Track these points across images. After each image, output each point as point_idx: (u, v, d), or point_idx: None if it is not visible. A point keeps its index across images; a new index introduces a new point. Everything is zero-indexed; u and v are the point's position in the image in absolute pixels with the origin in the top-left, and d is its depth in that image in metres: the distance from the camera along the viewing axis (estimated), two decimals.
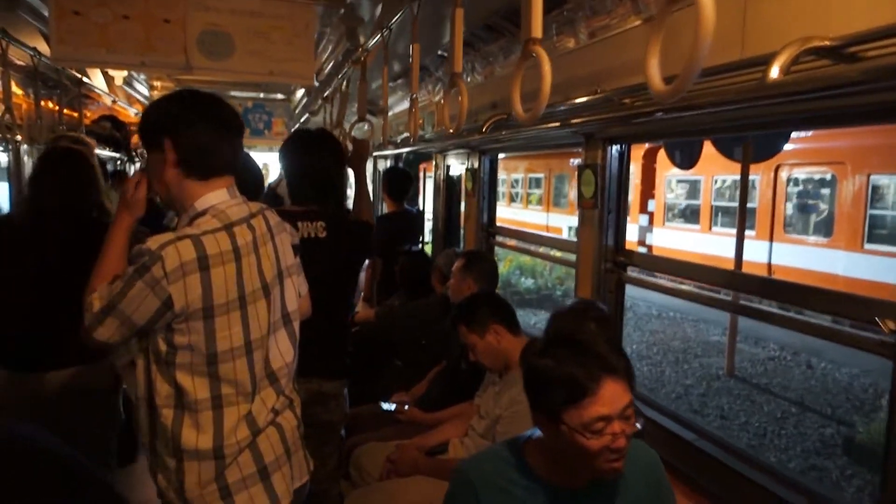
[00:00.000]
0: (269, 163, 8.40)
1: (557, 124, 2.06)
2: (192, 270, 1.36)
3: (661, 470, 1.48)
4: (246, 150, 2.84)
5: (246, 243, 1.47)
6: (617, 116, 1.63)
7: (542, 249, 4.14)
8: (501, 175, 18.77)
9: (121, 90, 5.14)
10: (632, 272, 2.52)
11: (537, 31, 1.30)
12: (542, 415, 1.29)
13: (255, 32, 2.70)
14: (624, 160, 2.54)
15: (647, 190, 13.65)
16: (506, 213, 17.89)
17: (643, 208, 13.74)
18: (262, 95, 6.02)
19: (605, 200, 2.52)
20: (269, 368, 1.54)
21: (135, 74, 5.22)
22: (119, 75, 4.45)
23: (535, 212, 17.95)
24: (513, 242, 4.00)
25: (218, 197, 1.48)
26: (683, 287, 2.33)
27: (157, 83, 5.48)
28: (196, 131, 1.45)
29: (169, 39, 2.57)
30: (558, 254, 3.31)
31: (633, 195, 14.11)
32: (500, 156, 4.02)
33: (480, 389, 2.57)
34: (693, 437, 2.18)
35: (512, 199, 19.55)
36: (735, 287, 1.91)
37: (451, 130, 1.65)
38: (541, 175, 17.87)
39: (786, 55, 1.09)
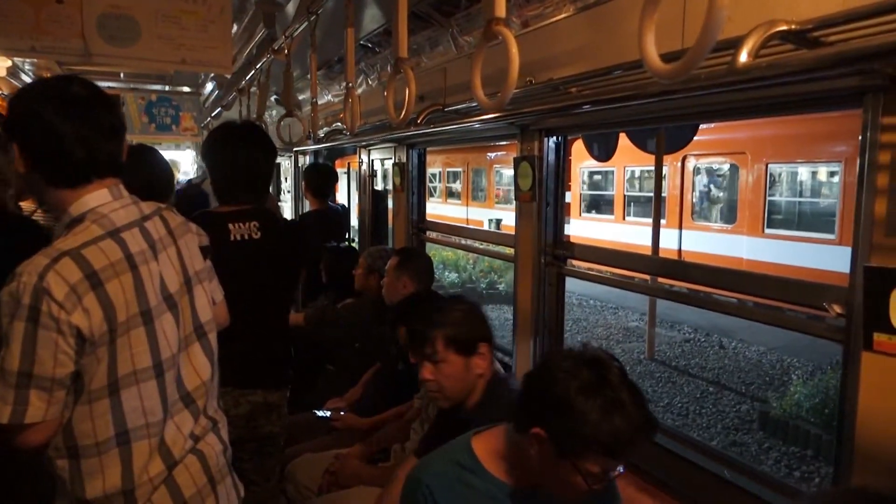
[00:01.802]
0: (177, 160, 7.92)
1: (493, 116, 1.98)
2: (85, 291, 1.14)
3: None
4: (153, 146, 2.61)
5: (141, 250, 1.26)
6: (557, 107, 1.57)
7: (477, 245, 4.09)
8: None
9: (5, 82, 4.64)
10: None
11: (501, 10, 1.20)
12: (552, 441, 1.23)
13: (164, 16, 2.46)
14: (561, 152, 2.50)
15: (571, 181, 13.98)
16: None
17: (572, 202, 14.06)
18: (167, 88, 5.63)
19: (542, 193, 2.48)
20: (183, 390, 1.34)
21: (21, 65, 4.74)
22: (2, 66, 4.01)
23: (454, 206, 18.02)
24: (456, 239, 3.91)
25: (98, 199, 1.25)
26: (626, 278, 2.33)
27: (45, 74, 5.00)
28: (49, 131, 1.20)
29: (63, 22, 2.29)
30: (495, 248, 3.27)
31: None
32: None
33: (422, 389, 2.48)
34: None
35: (430, 193, 19.56)
36: (679, 276, 1.91)
37: (401, 117, 1.51)
38: (459, 169, 17.95)
39: (754, 39, 1.05)
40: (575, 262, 2.48)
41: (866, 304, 1.35)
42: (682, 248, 10.71)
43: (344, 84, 2.33)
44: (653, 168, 11.83)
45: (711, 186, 10.52)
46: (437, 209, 18.09)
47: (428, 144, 3.72)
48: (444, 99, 3.04)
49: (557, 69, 2.19)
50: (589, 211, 13.41)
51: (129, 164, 2.44)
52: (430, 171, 19.14)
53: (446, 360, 1.77)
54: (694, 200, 10.73)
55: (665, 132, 6.74)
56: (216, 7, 2.52)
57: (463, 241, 3.77)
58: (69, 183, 1.23)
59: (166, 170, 2.49)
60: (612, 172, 12.45)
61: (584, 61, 2.10)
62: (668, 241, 10.79)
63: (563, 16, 2.19)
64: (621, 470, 1.28)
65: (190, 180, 5.30)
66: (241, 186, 2.09)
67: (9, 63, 4.11)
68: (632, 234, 11.18)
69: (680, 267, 1.93)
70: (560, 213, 2.53)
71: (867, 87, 1.32)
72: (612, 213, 12.63)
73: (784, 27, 1.08)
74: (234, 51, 3.15)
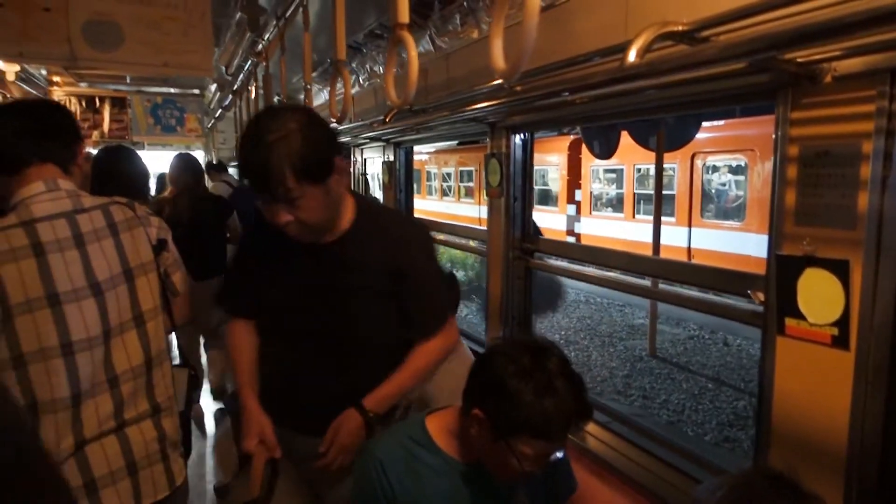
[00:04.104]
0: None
1: (446, 113, 2.07)
2: None
3: None
4: (161, 147, 2.74)
5: (56, 239, 1.39)
6: (502, 103, 1.64)
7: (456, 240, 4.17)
8: (433, 169, 18.81)
9: (15, 86, 4.83)
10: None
11: (404, 16, 1.29)
12: (488, 421, 1.30)
13: (147, 22, 2.58)
14: (527, 148, 2.58)
15: (574, 180, 13.96)
16: (439, 208, 17.95)
17: (570, 198, 14.05)
18: (172, 91, 5.80)
19: (510, 189, 2.56)
20: (111, 372, 1.46)
21: (31, 70, 4.92)
22: (10, 70, 4.18)
23: (467, 205, 18.07)
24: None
25: (30, 190, 1.42)
26: (588, 271, 2.40)
27: (56, 78, 5.19)
28: None
29: (50, 29, 2.42)
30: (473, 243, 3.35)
31: (561, 186, 14.43)
32: (430, 149, 4.03)
33: None
34: (606, 419, 2.25)
35: (444, 193, 19.62)
36: (629, 268, 1.97)
37: (403, 99, 1.55)
38: (472, 168, 18.00)
39: (642, 39, 1.12)
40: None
41: (778, 291, 1.42)
42: (692, 245, 10.68)
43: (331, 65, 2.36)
44: (664, 166, 11.82)
45: (721, 184, 10.46)
46: (451, 208, 18.16)
47: (412, 143, 3.80)
48: (427, 98, 3.13)
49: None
50: (600, 209, 13.39)
51: (107, 162, 2.57)
52: (444, 170, 19.25)
53: (303, 195, 1.45)
54: (703, 198, 10.68)
55: (666, 129, 6.75)
56: (197, 12, 2.63)
57: (451, 239, 3.86)
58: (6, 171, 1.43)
59: (139, 168, 2.63)
60: (623, 170, 12.44)
61: (543, 61, 2.18)
62: (680, 238, 10.79)
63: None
64: (559, 455, 1.34)
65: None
66: None
67: (17, 68, 4.28)
68: (641, 232, 11.16)
69: (630, 259, 2.00)
70: (527, 208, 2.60)
71: (778, 83, 1.38)
72: (622, 211, 12.61)
73: (673, 28, 1.16)
74: (217, 54, 3.27)
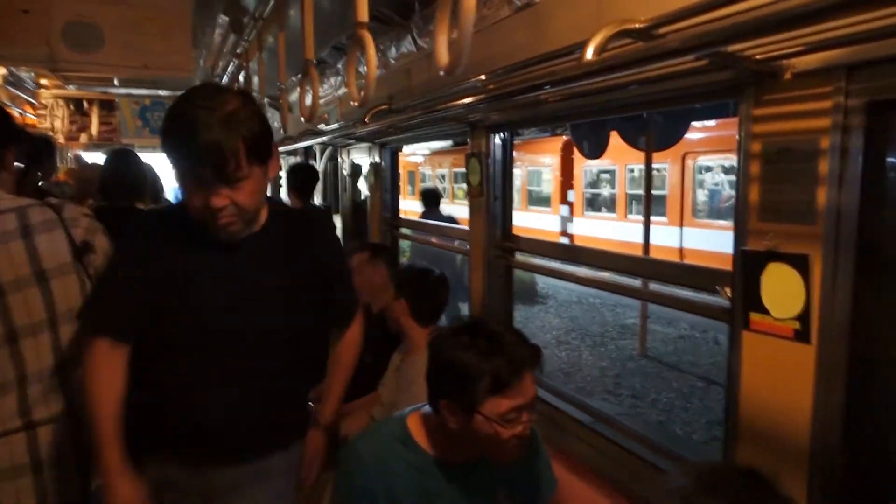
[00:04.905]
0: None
1: (420, 112, 2.08)
2: None
3: (538, 437, 1.58)
4: (152, 149, 2.76)
5: None
6: (476, 101, 1.66)
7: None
8: (427, 170, 18.80)
9: (3, 90, 4.83)
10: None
11: (363, 14, 1.30)
12: (455, 404, 1.32)
13: (127, 24, 2.60)
14: (507, 148, 2.59)
15: (567, 181, 14.00)
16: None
17: (563, 199, 14.08)
18: (161, 93, 5.80)
19: (490, 188, 2.57)
20: (20, 371, 1.48)
21: (19, 73, 4.91)
22: None
23: (461, 206, 18.06)
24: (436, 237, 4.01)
25: None
26: (567, 269, 2.41)
27: (44, 80, 5.19)
28: None
29: (30, 31, 2.43)
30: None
31: (554, 187, 14.47)
32: (426, 151, 4.04)
33: (384, 377, 2.57)
34: (589, 419, 2.26)
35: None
36: (603, 265, 1.99)
37: (362, 95, 1.54)
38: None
39: (599, 37, 1.14)
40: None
41: (743, 286, 1.43)
42: (684, 245, 10.72)
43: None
44: (655, 167, 11.88)
45: (714, 183, 10.51)
46: (447, 209, 18.15)
47: (398, 144, 3.82)
48: (412, 98, 3.14)
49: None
50: (594, 209, 13.42)
51: (108, 163, 2.57)
52: (438, 171, 19.27)
53: (249, 176, 1.37)
54: (695, 198, 10.72)
55: (655, 129, 6.77)
56: (177, 15, 2.65)
57: (434, 239, 3.87)
58: None
59: (133, 168, 2.64)
60: (615, 171, 12.48)
61: (520, 59, 2.19)
62: (672, 238, 10.82)
63: (503, 16, 2.28)
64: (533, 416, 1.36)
65: None
66: None
67: (3, 71, 4.28)
68: (633, 232, 11.19)
69: (604, 257, 2.01)
70: (507, 208, 2.61)
71: (741, 81, 1.40)
72: (615, 211, 12.64)
73: (629, 26, 1.17)
74: (204, 55, 3.28)
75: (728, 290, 1.53)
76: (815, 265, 1.29)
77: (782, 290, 1.35)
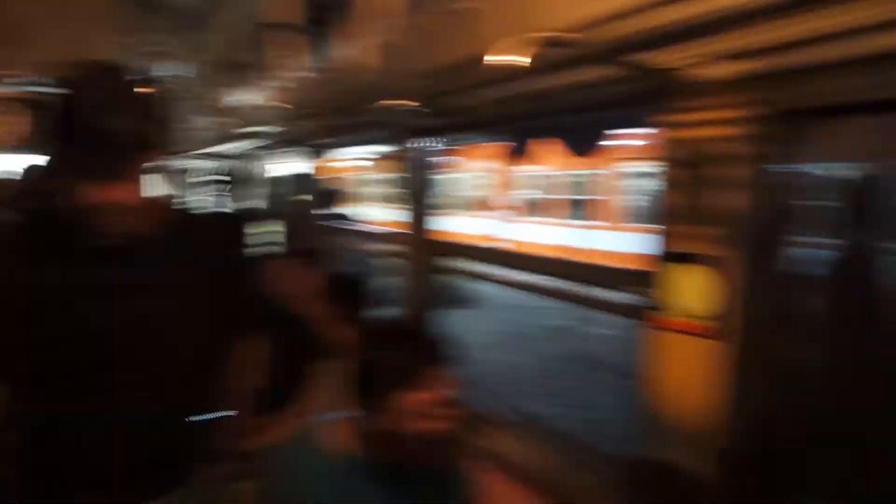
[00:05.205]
0: None
1: (344, 116, 2.06)
2: None
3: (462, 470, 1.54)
4: None
5: None
6: (396, 105, 1.65)
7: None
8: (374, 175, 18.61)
9: None
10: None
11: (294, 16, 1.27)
12: (371, 401, 1.31)
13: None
14: (434, 153, 2.61)
15: (503, 186, 14.25)
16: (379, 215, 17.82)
17: (497, 204, 14.31)
18: None
19: (418, 193, 2.58)
20: None
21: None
22: None
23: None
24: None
25: None
26: (495, 273, 2.44)
27: None
28: None
29: None
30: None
31: (488, 192, 14.67)
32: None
33: (309, 384, 2.53)
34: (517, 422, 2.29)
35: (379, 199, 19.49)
36: (526, 267, 2.03)
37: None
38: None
39: (504, 45, 1.16)
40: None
41: (660, 286, 1.49)
42: (617, 249, 11.07)
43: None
44: (588, 171, 12.24)
45: (645, 189, 10.88)
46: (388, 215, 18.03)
47: (333, 148, 3.78)
48: (341, 101, 3.11)
49: None
50: (531, 213, 13.66)
51: None
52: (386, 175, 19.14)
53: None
54: (632, 203, 11.09)
55: (574, 135, 6.93)
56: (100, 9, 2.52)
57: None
58: None
59: None
60: (550, 176, 12.77)
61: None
62: (607, 242, 11.17)
63: (433, 23, 2.29)
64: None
65: None
66: None
67: None
68: (570, 235, 11.46)
69: (527, 260, 2.05)
70: (433, 213, 2.62)
71: (659, 90, 1.44)
72: (554, 215, 12.92)
73: (537, 34, 1.20)
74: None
75: (645, 289, 1.58)
76: (729, 265, 1.35)
77: (698, 289, 1.41)
